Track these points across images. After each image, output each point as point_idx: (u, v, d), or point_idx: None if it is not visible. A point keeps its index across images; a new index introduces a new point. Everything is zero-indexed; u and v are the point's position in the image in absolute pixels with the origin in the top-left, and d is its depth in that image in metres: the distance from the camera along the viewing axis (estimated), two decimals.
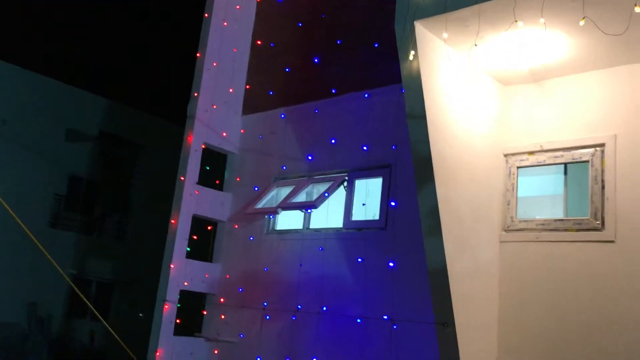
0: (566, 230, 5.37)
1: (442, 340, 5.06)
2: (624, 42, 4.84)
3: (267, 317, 7.38)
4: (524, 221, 5.65)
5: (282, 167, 7.93)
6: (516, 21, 4.59)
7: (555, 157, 5.61)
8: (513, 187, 5.80)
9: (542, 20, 4.51)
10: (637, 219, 5.03)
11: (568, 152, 5.53)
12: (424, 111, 5.05)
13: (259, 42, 8.91)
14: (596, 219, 5.21)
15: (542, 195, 6.00)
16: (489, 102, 5.88)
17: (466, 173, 5.48)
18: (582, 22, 4.31)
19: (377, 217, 6.73)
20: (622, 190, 5.16)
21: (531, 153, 5.74)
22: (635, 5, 4.20)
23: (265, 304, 7.45)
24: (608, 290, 5.05)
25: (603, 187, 5.23)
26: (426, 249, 5.17)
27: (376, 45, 7.18)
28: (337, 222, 7.15)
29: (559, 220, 5.46)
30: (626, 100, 5.29)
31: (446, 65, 5.36)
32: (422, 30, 5.14)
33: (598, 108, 5.43)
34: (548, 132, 5.68)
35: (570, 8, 4.46)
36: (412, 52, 5.06)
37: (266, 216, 7.83)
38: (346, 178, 7.15)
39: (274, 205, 7.68)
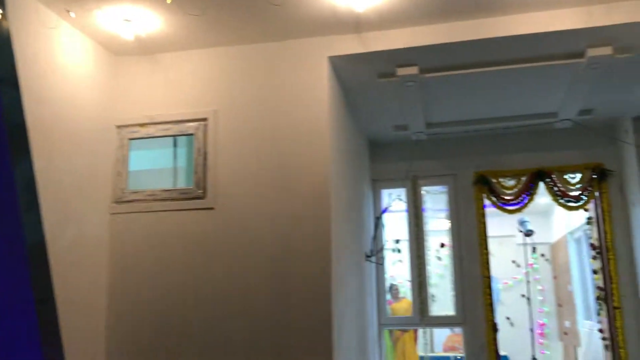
0: (173, 199, 5.66)
1: (42, 318, 4.83)
2: (223, 25, 5.28)
3: None
4: (134, 192, 5.75)
5: None
6: None
7: (165, 129, 5.83)
8: (124, 159, 5.84)
9: None
10: (232, 187, 5.58)
11: (176, 125, 5.80)
12: (16, 76, 4.67)
13: None
14: (199, 188, 5.61)
15: (155, 167, 6.20)
16: (101, 72, 5.78)
17: (72, 144, 5.29)
18: (169, 1, 4.55)
19: None
20: (221, 161, 5.64)
21: (142, 125, 5.85)
22: None
23: None
24: (209, 251, 5.50)
25: (205, 159, 5.65)
26: (24, 224, 4.85)
27: None
28: None
29: (167, 190, 5.71)
30: (225, 79, 5.79)
31: (48, 30, 5.06)
32: None
33: (202, 84, 5.82)
34: (158, 105, 5.86)
35: None
36: (1, 11, 4.62)
37: None
38: None
39: None
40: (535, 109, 7.28)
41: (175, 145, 5.95)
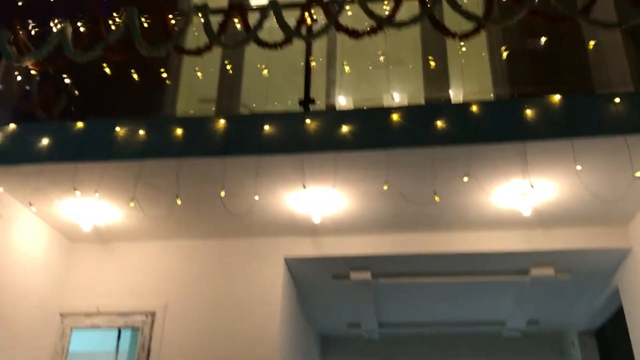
0: None
1: None
2: (174, 220, 5.41)
3: None
4: None
5: None
6: (75, 189, 4.74)
7: (111, 321, 5.66)
8: (63, 350, 5.57)
9: (96, 194, 4.78)
10: None
11: (122, 318, 5.64)
12: None
13: None
14: None
15: (96, 350, 5.92)
16: (54, 257, 5.72)
17: (13, 331, 5.07)
18: (132, 204, 4.71)
19: None
20: (167, 358, 5.43)
21: (88, 315, 5.67)
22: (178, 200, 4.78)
23: None
24: None
25: (149, 355, 5.43)
26: None
27: None
28: None
29: None
30: (179, 272, 5.78)
31: (6, 218, 5.09)
32: None
33: (154, 276, 5.78)
34: (107, 295, 5.74)
35: (122, 189, 4.84)
36: None
37: None
38: None
39: None
40: (484, 317, 7.39)
41: (119, 337, 5.74)
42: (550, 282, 5.98)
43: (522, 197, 4.75)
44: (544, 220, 5.28)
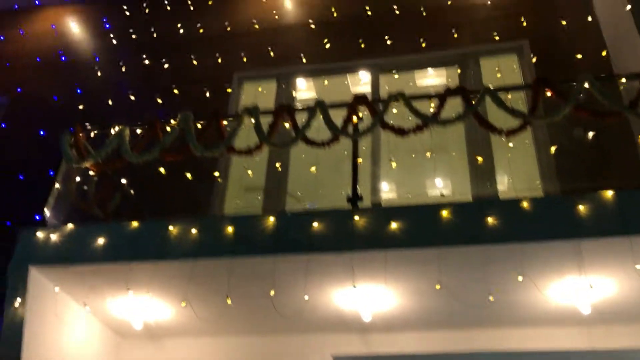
0: None
1: None
2: (224, 317, 5.42)
3: None
4: None
5: None
6: (128, 288, 4.83)
7: None
8: None
9: (147, 292, 4.85)
10: None
11: None
12: None
13: None
14: None
15: None
16: (104, 354, 5.74)
17: None
18: (183, 304, 4.76)
19: None
20: None
21: None
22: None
23: None
24: None
25: None
26: None
27: None
28: None
29: None
30: None
31: (61, 315, 5.18)
32: (37, 276, 4.97)
33: None
34: None
35: (174, 288, 4.90)
36: (19, 299, 4.80)
37: None
38: None
39: None
40: None
41: None
42: None
43: (580, 294, 4.60)
44: (605, 317, 5.08)
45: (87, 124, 5.97)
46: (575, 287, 4.58)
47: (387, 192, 6.07)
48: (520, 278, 4.36)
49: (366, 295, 4.95)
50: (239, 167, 6.86)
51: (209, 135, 5.41)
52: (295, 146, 5.44)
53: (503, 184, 5.95)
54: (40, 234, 5.10)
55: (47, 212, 5.50)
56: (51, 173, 6.04)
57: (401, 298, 5.01)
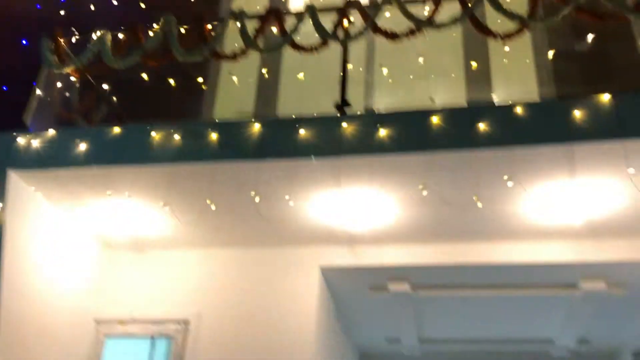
0: None
1: None
2: (209, 227, 5.34)
3: None
4: None
5: None
6: (108, 192, 4.73)
7: (145, 329, 5.60)
8: (99, 356, 5.54)
9: (126, 193, 4.75)
10: None
11: (156, 326, 5.57)
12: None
13: None
14: None
15: None
16: (89, 265, 5.73)
17: (46, 336, 5.06)
18: (164, 206, 4.66)
19: None
20: None
21: (122, 322, 5.63)
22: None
23: None
24: None
25: None
26: None
27: None
28: None
29: None
30: (213, 281, 5.70)
31: (42, 221, 5.12)
32: (17, 181, 4.87)
33: (189, 285, 5.71)
34: (142, 303, 5.69)
35: (155, 194, 4.81)
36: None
37: None
38: None
39: None
40: (531, 334, 7.04)
41: (153, 345, 5.66)
42: (602, 298, 5.64)
43: (572, 204, 4.49)
44: (595, 230, 4.99)
45: (69, 29, 5.73)
46: (567, 196, 4.46)
47: (379, 98, 5.88)
48: (509, 183, 4.23)
49: (353, 204, 4.86)
50: (228, 79, 6.65)
51: (195, 41, 5.21)
52: (285, 55, 5.25)
53: (499, 90, 5.75)
54: (21, 140, 4.96)
55: (28, 119, 5.36)
56: (34, 84, 5.85)
57: (389, 207, 4.92)
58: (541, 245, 5.27)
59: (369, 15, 4.99)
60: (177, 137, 4.74)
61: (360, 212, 4.93)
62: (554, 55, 5.21)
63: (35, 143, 4.93)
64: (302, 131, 4.55)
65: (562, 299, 5.84)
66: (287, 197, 4.73)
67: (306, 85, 5.82)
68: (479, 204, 4.46)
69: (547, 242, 5.25)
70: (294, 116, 4.80)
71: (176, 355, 5.39)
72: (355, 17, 5.07)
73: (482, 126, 4.24)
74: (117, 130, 4.90)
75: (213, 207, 4.78)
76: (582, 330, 6.67)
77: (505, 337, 7.19)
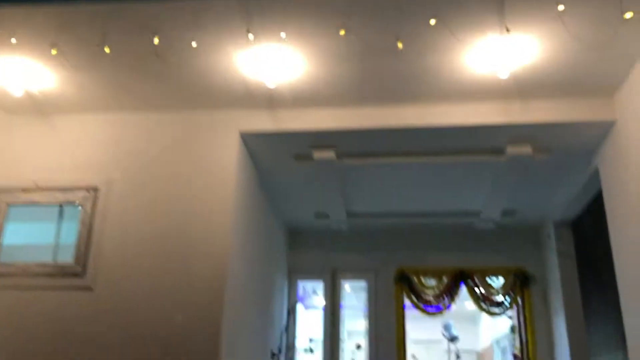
0: (49, 275, 4.96)
1: None
2: (125, 88, 4.91)
3: None
4: (3, 265, 5.03)
5: None
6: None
7: (50, 197, 5.22)
8: (0, 225, 5.17)
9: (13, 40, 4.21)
10: (118, 267, 4.94)
11: (63, 193, 5.20)
12: None
13: None
14: (78, 264, 4.95)
15: (36, 238, 5.51)
16: None
17: None
18: (54, 51, 4.15)
19: None
20: (109, 236, 5.03)
21: (26, 190, 5.24)
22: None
23: None
24: (83, 338, 4.75)
25: (90, 232, 5.04)
26: None
27: None
28: None
29: (42, 265, 5.02)
30: (123, 146, 5.31)
31: None
32: None
33: (97, 151, 5.31)
34: (46, 170, 5.28)
35: (43, 40, 4.28)
36: None
37: None
38: None
39: None
40: (457, 207, 7.05)
41: (61, 214, 5.31)
42: (527, 163, 5.57)
43: (500, 56, 4.24)
44: (522, 89, 4.82)
45: None
46: (495, 47, 4.19)
47: None
48: (432, 21, 3.89)
49: (268, 56, 4.46)
50: None
51: None
52: None
53: None
54: None
55: None
56: None
57: (307, 61, 4.55)
58: (468, 107, 5.08)
59: None
60: None
61: (276, 65, 4.53)
62: None
63: None
64: None
65: (489, 165, 5.76)
66: (193, 43, 4.28)
67: None
68: (399, 45, 4.10)
69: (474, 103, 5.06)
70: None
71: (85, 223, 5.07)
72: None
73: None
74: None
75: (107, 50, 4.27)
76: (506, 201, 6.70)
77: (432, 210, 7.18)
